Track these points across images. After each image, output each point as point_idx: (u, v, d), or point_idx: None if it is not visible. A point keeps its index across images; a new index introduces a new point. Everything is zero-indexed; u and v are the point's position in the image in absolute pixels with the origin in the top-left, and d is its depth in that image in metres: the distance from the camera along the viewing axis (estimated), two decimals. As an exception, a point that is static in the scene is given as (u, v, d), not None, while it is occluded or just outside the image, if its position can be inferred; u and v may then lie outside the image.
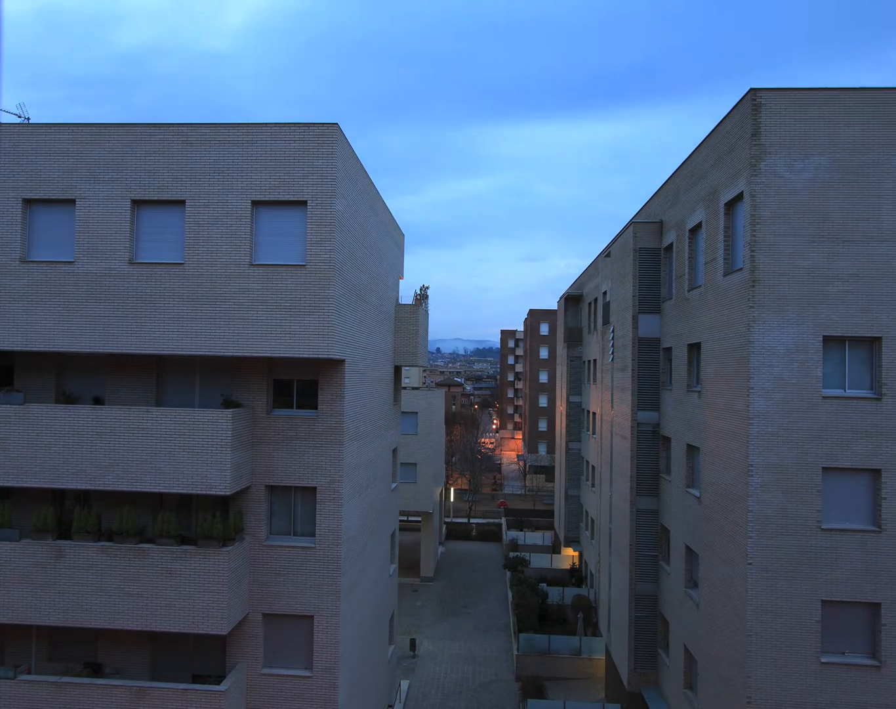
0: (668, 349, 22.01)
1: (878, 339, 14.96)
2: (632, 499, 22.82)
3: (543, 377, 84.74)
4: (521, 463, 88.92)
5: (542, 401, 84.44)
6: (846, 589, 14.90)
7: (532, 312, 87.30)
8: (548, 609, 35.08)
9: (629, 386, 23.23)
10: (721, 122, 16.95)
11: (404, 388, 42.01)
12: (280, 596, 15.62)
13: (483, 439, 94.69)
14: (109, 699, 14.59)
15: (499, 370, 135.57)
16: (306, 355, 14.48)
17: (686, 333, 19.77)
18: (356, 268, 16.75)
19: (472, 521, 61.78)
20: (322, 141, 14.52)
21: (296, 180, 14.54)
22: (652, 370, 22.78)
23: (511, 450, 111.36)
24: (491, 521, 62.23)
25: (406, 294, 25.13)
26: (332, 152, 14.51)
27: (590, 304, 38.58)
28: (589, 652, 30.37)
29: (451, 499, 69.16)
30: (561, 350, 47.36)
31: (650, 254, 22.85)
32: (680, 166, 20.70)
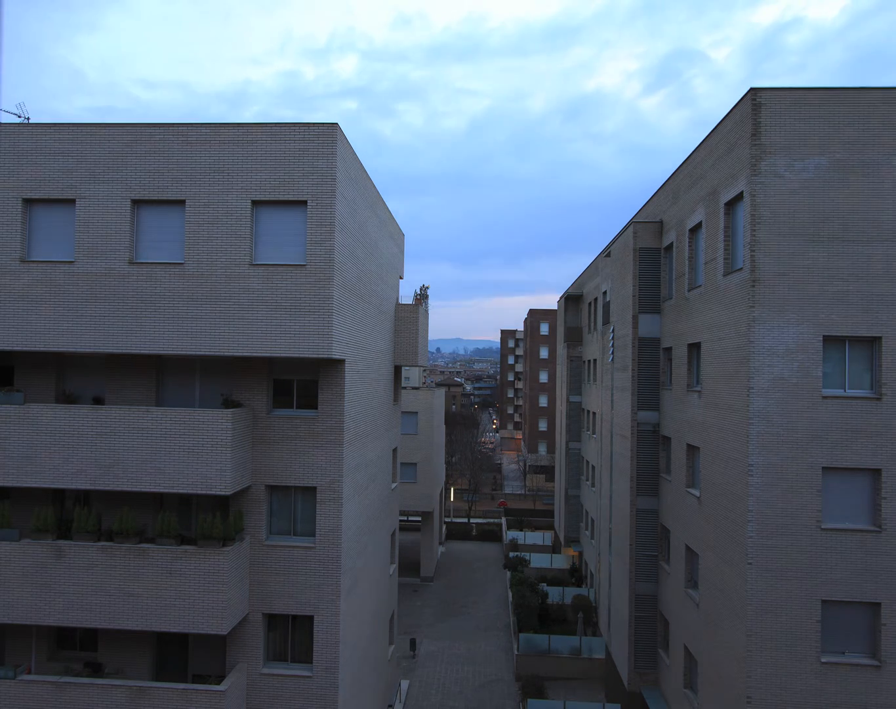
0: (668, 349, 22.01)
1: (878, 339, 14.96)
2: (632, 499, 22.82)
3: (543, 377, 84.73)
4: (521, 463, 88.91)
5: (542, 401, 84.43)
6: (846, 589, 14.90)
7: (532, 312, 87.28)
8: (548, 609, 35.06)
9: (629, 386, 23.22)
10: (721, 122, 16.94)
11: (404, 388, 42.00)
12: (280, 596, 15.62)
13: (483, 439, 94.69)
14: (109, 699, 14.59)
15: (499, 370, 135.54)
16: (306, 355, 14.48)
17: (686, 332, 19.76)
18: (356, 268, 16.74)
19: (472, 521, 61.76)
20: (322, 141, 14.51)
21: (296, 180, 14.54)
22: (652, 370, 22.77)
23: (511, 450, 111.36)
24: (491, 521, 62.21)
25: (406, 294, 25.15)
26: (333, 152, 14.50)
27: (590, 304, 38.58)
28: (589, 652, 30.36)
29: (451, 499, 69.16)
30: (561, 350, 47.36)
31: (650, 254, 22.85)
32: (680, 166, 20.69)
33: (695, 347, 19.37)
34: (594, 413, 36.20)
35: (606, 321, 29.50)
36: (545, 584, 38.11)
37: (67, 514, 16.09)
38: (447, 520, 61.00)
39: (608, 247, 31.10)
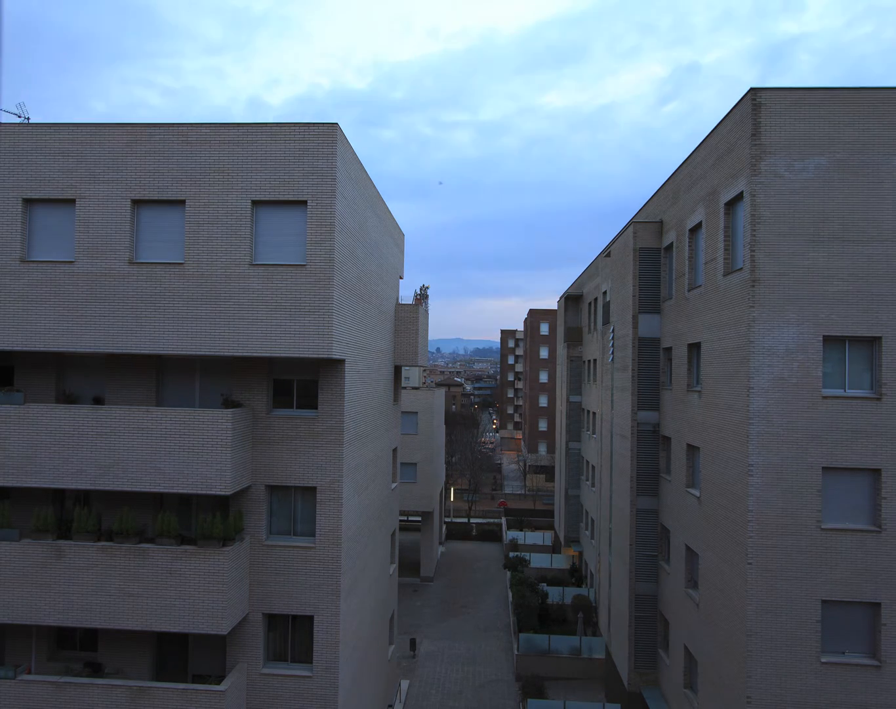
0: (668, 349, 22.01)
1: (878, 339, 14.96)
2: (632, 499, 22.82)
3: (543, 377, 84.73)
4: (521, 463, 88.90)
5: (542, 401, 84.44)
6: (846, 589, 14.90)
7: (532, 312, 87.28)
8: (548, 609, 35.06)
9: (629, 386, 23.22)
10: (721, 122, 16.94)
11: (404, 388, 41.99)
12: (280, 596, 15.62)
13: (483, 439, 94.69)
14: (109, 699, 14.59)
15: (499, 370, 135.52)
16: (306, 355, 14.48)
17: (686, 332, 19.77)
18: (356, 268, 16.74)
19: (472, 521, 61.76)
20: (322, 141, 14.51)
21: (296, 180, 14.53)
22: (652, 370, 22.77)
23: (511, 450, 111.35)
24: (491, 521, 62.21)
25: (406, 294, 25.16)
26: (333, 152, 14.50)
27: (590, 304, 38.59)
28: (589, 652, 30.36)
29: (451, 499, 69.15)
30: (561, 350, 47.37)
31: (650, 254, 22.85)
32: (680, 166, 20.69)
33: (695, 347, 19.37)
34: (594, 413, 36.20)
35: (606, 321, 29.50)
36: (545, 584, 38.11)
37: (67, 514, 16.09)
38: (447, 520, 61.00)
39: (608, 247, 31.10)
